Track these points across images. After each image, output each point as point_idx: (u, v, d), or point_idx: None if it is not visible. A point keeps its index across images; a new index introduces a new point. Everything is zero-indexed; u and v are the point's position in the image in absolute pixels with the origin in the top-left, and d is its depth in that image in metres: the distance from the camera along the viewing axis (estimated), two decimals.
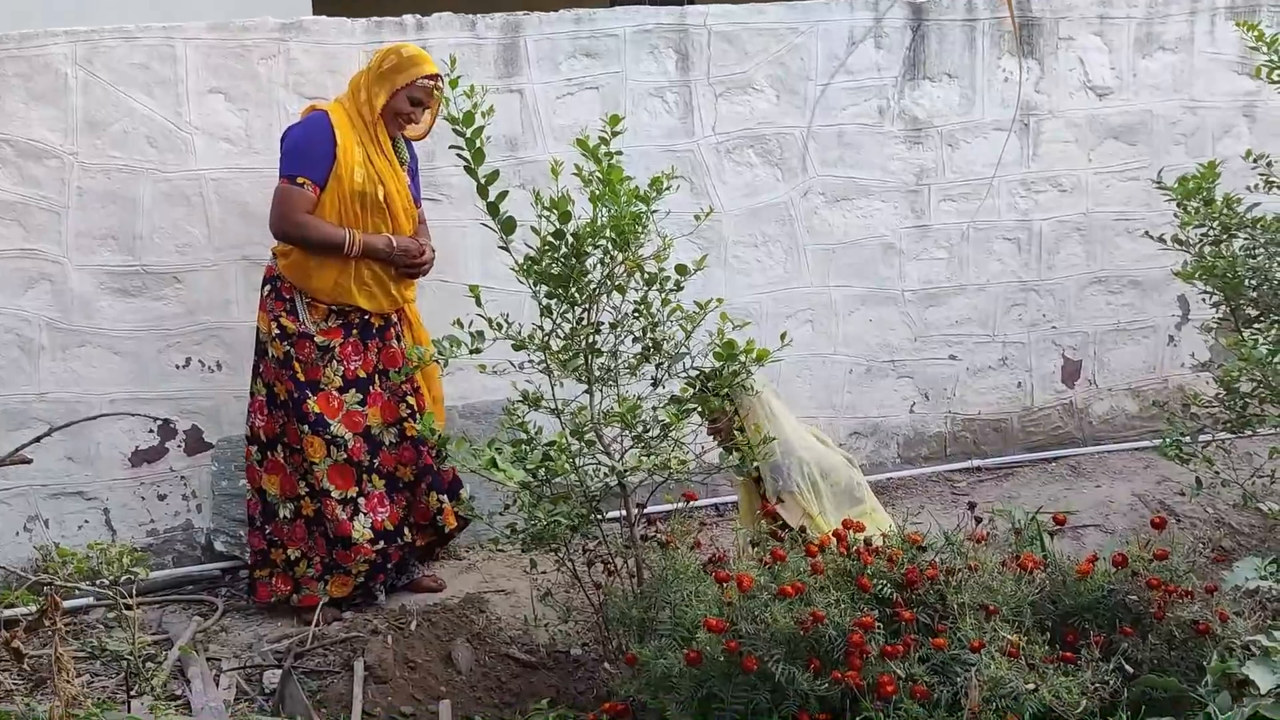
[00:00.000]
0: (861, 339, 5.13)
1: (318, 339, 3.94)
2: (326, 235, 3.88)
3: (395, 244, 3.96)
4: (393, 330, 4.11)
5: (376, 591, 4.15)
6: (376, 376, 4.07)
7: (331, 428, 3.95)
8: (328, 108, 3.96)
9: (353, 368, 4.00)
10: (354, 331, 4.01)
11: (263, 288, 4.03)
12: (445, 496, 4.17)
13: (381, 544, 4.04)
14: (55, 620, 2.24)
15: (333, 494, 3.97)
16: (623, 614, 3.28)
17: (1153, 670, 2.89)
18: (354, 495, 4.00)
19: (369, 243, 3.91)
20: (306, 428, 3.95)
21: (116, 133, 4.21)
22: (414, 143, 4.18)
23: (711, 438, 3.74)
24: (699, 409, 3.45)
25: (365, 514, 4.02)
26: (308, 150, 3.88)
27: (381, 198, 3.93)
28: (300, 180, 3.86)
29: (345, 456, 3.97)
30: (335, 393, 3.97)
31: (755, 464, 3.50)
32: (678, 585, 3.12)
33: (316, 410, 3.94)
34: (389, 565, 4.13)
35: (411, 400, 4.12)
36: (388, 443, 4.10)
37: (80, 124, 4.18)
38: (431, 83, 3.91)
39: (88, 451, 4.32)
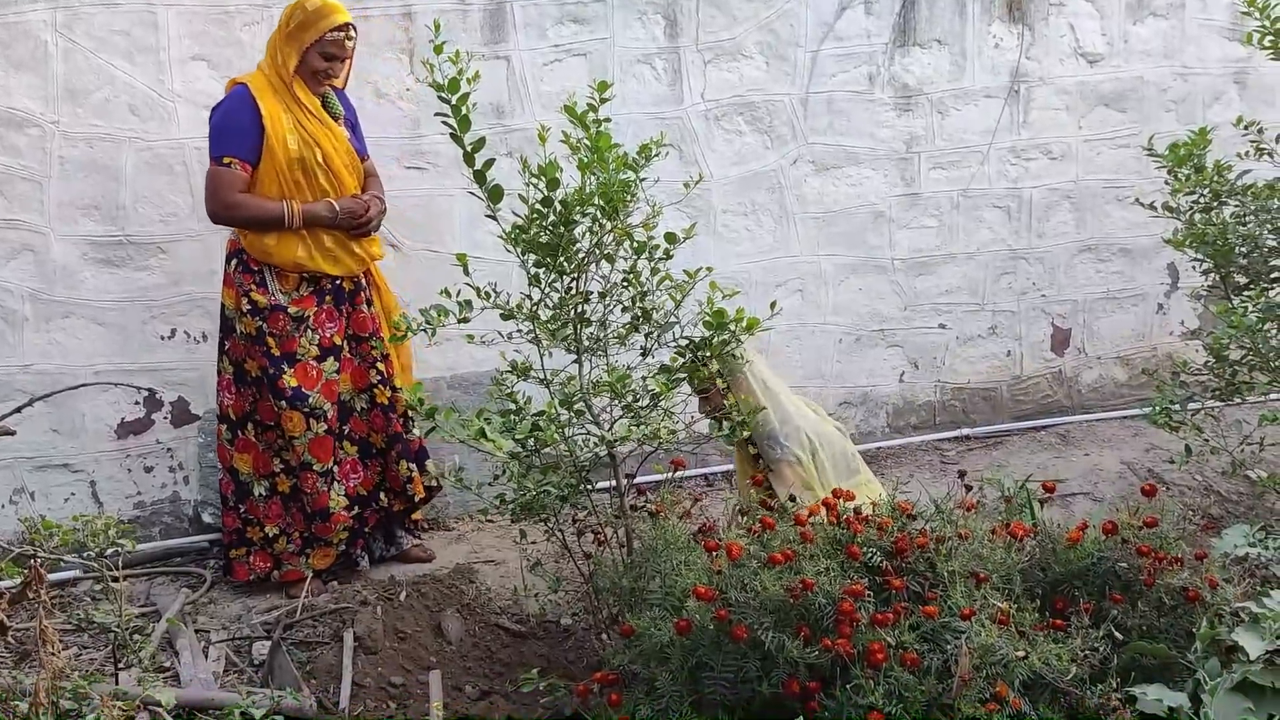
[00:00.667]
0: (851, 308, 5.12)
1: (291, 310, 3.88)
2: (265, 211, 3.79)
3: (339, 207, 3.86)
4: (362, 295, 4.06)
5: (358, 559, 4.14)
6: (346, 343, 4.02)
7: (310, 399, 3.90)
8: (248, 79, 3.83)
9: (328, 335, 3.94)
10: (327, 298, 3.95)
11: (227, 262, 3.93)
12: (414, 465, 4.14)
13: (357, 509, 4.03)
14: (40, 592, 2.21)
15: (314, 467, 3.94)
16: (613, 583, 3.27)
17: (1142, 637, 2.89)
18: (330, 466, 3.98)
19: (310, 211, 3.82)
20: (284, 403, 3.89)
21: (98, 101, 4.16)
22: (346, 94, 4.09)
23: (701, 409, 3.72)
24: (688, 379, 3.43)
25: (339, 482, 4.00)
26: (231, 128, 3.77)
27: (320, 160, 3.84)
28: (227, 160, 3.76)
29: (325, 428, 3.94)
30: (313, 362, 3.92)
31: (749, 434, 3.49)
32: (667, 555, 3.11)
33: (294, 384, 3.88)
34: (367, 529, 4.11)
35: (381, 367, 4.07)
36: (359, 409, 4.07)
37: (61, 92, 4.12)
38: (342, 34, 3.80)
39: (73, 424, 4.29)
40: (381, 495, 4.13)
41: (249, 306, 3.86)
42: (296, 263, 3.86)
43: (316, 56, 3.80)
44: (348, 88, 4.14)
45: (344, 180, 3.92)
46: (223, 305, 3.97)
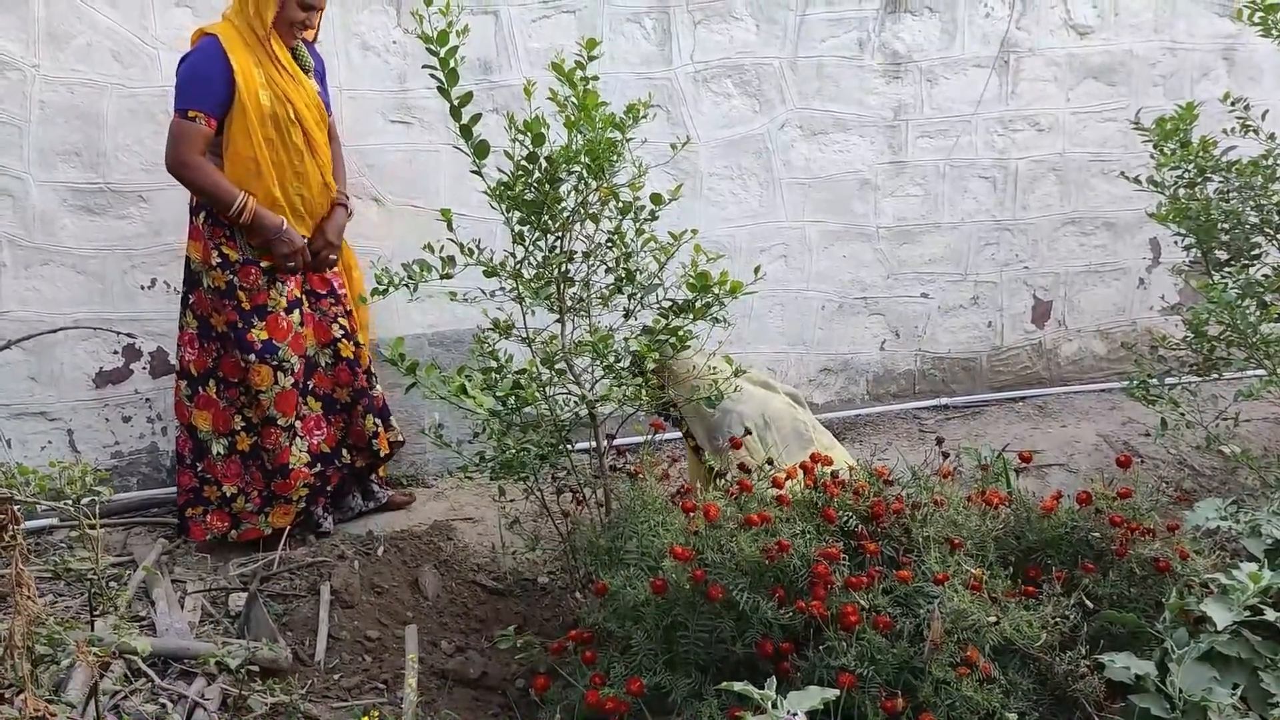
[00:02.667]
0: (834, 275, 5.12)
1: (263, 264, 3.82)
2: (219, 190, 3.70)
3: (284, 228, 3.79)
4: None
5: (320, 519, 4.11)
6: (304, 297, 3.99)
7: (279, 352, 3.86)
8: (217, 29, 3.72)
9: (290, 287, 3.91)
10: None
11: (194, 214, 3.85)
12: (379, 420, 4.12)
13: (319, 467, 4.02)
14: (17, 535, 2.21)
15: (278, 422, 3.90)
16: (590, 543, 3.29)
17: (1113, 606, 2.93)
18: (293, 421, 3.96)
19: (260, 217, 3.75)
20: (253, 356, 3.83)
21: (80, 45, 4.10)
22: (315, 46, 4.03)
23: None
24: (671, 341, 3.40)
25: (302, 438, 3.98)
26: (199, 80, 3.67)
27: (293, 115, 3.78)
28: (192, 114, 3.67)
29: (291, 381, 3.90)
30: (283, 314, 3.87)
31: (684, 424, 3.50)
32: (645, 515, 3.12)
33: (264, 337, 3.83)
34: (328, 489, 4.10)
35: (344, 321, 4.05)
36: (323, 364, 4.04)
37: (42, 35, 4.06)
38: None
39: (52, 372, 4.26)
40: (344, 452, 4.11)
41: (219, 260, 3.81)
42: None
43: (294, 6, 3.73)
44: (332, 36, 4.09)
45: (315, 137, 3.86)
46: (188, 259, 3.91)
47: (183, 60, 3.77)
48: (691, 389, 3.52)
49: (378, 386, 4.12)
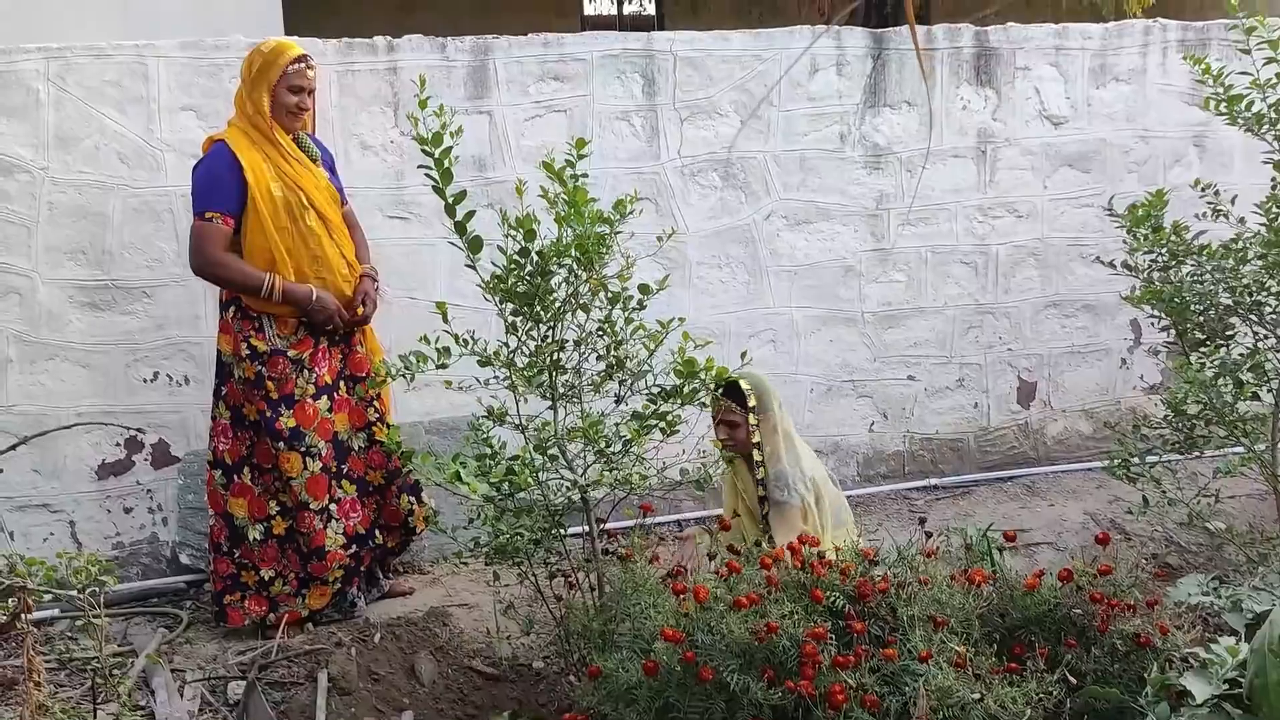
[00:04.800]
0: (822, 359, 5.24)
1: (290, 354, 3.94)
2: (247, 278, 3.86)
3: (315, 297, 3.92)
4: (357, 335, 4.14)
5: (354, 599, 4.19)
6: (342, 382, 4.10)
7: (307, 438, 3.96)
8: (225, 135, 3.91)
9: (322, 373, 4.02)
10: (322, 340, 4.02)
11: (225, 309, 3.99)
12: (414, 498, 4.22)
13: (354, 548, 4.09)
14: (26, 622, 2.27)
15: (311, 506, 3.99)
16: (584, 626, 3.34)
17: (1096, 681, 2.97)
18: (327, 504, 4.04)
19: (291, 291, 3.88)
20: (282, 444, 3.94)
21: (88, 148, 4.26)
22: (321, 139, 4.20)
23: (718, 433, 3.85)
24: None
25: (338, 520, 4.05)
26: (214, 182, 3.85)
27: (305, 201, 3.92)
28: (210, 215, 3.84)
29: (320, 465, 3.99)
30: (310, 400, 3.98)
31: (762, 475, 3.73)
32: (637, 598, 3.17)
33: (291, 424, 3.94)
34: (361, 568, 4.17)
35: (378, 405, 4.17)
36: (357, 448, 4.14)
37: (52, 139, 4.22)
38: (301, 64, 3.91)
39: (54, 464, 4.35)
40: (377, 533, 4.19)
41: (248, 352, 3.92)
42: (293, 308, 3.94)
43: (285, 92, 3.89)
44: (331, 137, 4.25)
45: (330, 219, 4.00)
46: (219, 352, 4.02)
47: (196, 167, 3.94)
48: (778, 432, 3.83)
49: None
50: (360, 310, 4.05)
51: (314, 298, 3.92)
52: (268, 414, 3.94)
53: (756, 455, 3.85)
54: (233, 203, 3.85)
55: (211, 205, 3.85)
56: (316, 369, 4.01)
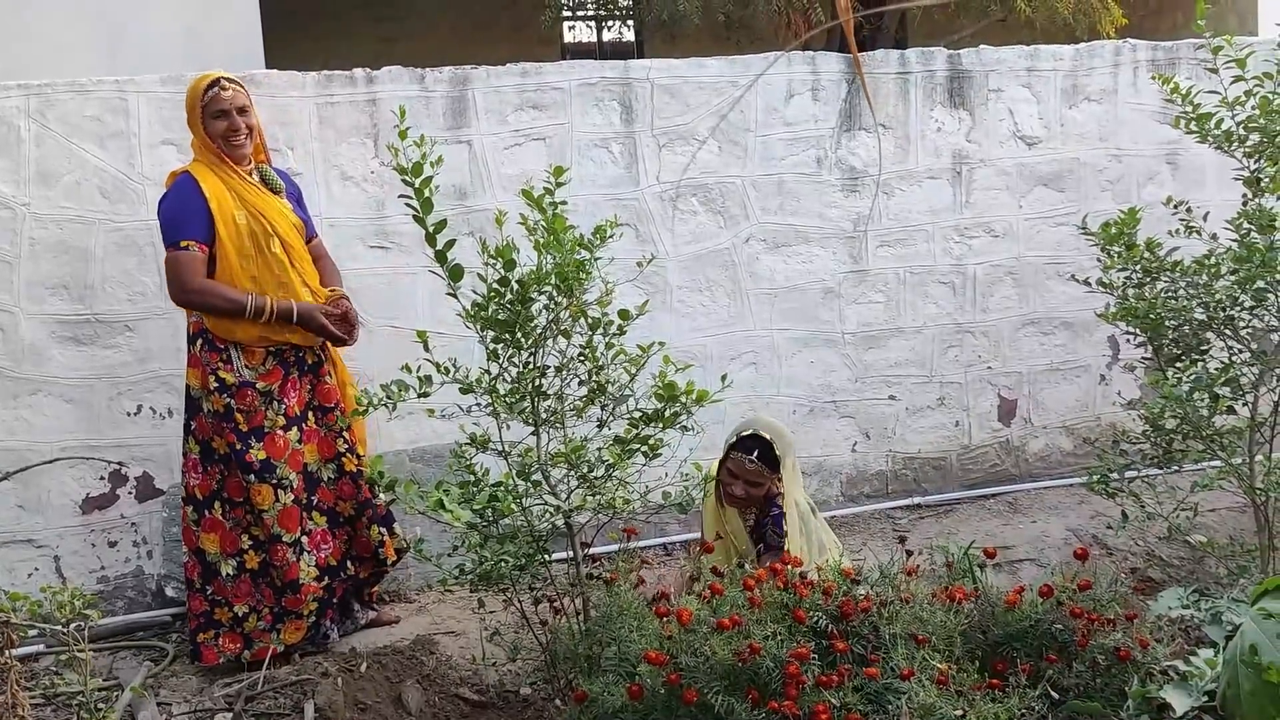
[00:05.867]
0: (804, 380, 5.27)
1: (259, 385, 3.95)
2: (228, 301, 3.88)
3: (303, 313, 3.96)
4: (325, 365, 4.15)
5: (328, 631, 4.18)
6: (310, 413, 4.10)
7: (278, 470, 3.97)
8: (189, 167, 3.96)
9: (290, 404, 4.02)
10: (292, 370, 4.03)
11: (192, 343, 3.99)
12: (384, 529, 4.21)
13: (326, 580, 4.09)
14: (10, 657, 2.28)
15: (283, 539, 3.99)
16: (569, 651, 3.35)
17: (1078, 696, 3.01)
18: (299, 536, 4.04)
19: (278, 307, 3.91)
20: (253, 477, 3.94)
21: (69, 184, 4.28)
22: (289, 175, 4.24)
23: (732, 490, 3.83)
24: (643, 449, 3.52)
25: (309, 552, 4.05)
26: (181, 212, 3.88)
27: (269, 229, 3.95)
28: (184, 244, 3.86)
29: (291, 498, 4.00)
30: (280, 432, 3.98)
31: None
32: (622, 621, 3.19)
33: (262, 456, 3.95)
34: (334, 601, 4.16)
35: (347, 435, 4.16)
36: (326, 479, 4.13)
37: (33, 175, 4.24)
38: (215, 89, 3.92)
39: (38, 499, 4.35)
40: (349, 564, 4.19)
41: (216, 384, 3.93)
42: (261, 336, 3.94)
43: (210, 121, 3.92)
44: (312, 168, 4.28)
45: (293, 246, 4.01)
46: (188, 386, 4.03)
47: (161, 201, 3.97)
48: (796, 480, 3.88)
49: (380, 495, 4.21)
50: (347, 313, 4.07)
51: (298, 310, 3.94)
52: (237, 446, 3.94)
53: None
54: (203, 230, 3.87)
55: (184, 234, 3.87)
56: (285, 400, 4.01)
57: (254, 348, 3.96)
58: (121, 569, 4.48)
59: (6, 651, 2.29)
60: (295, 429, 4.03)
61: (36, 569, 4.38)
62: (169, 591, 4.51)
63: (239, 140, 3.95)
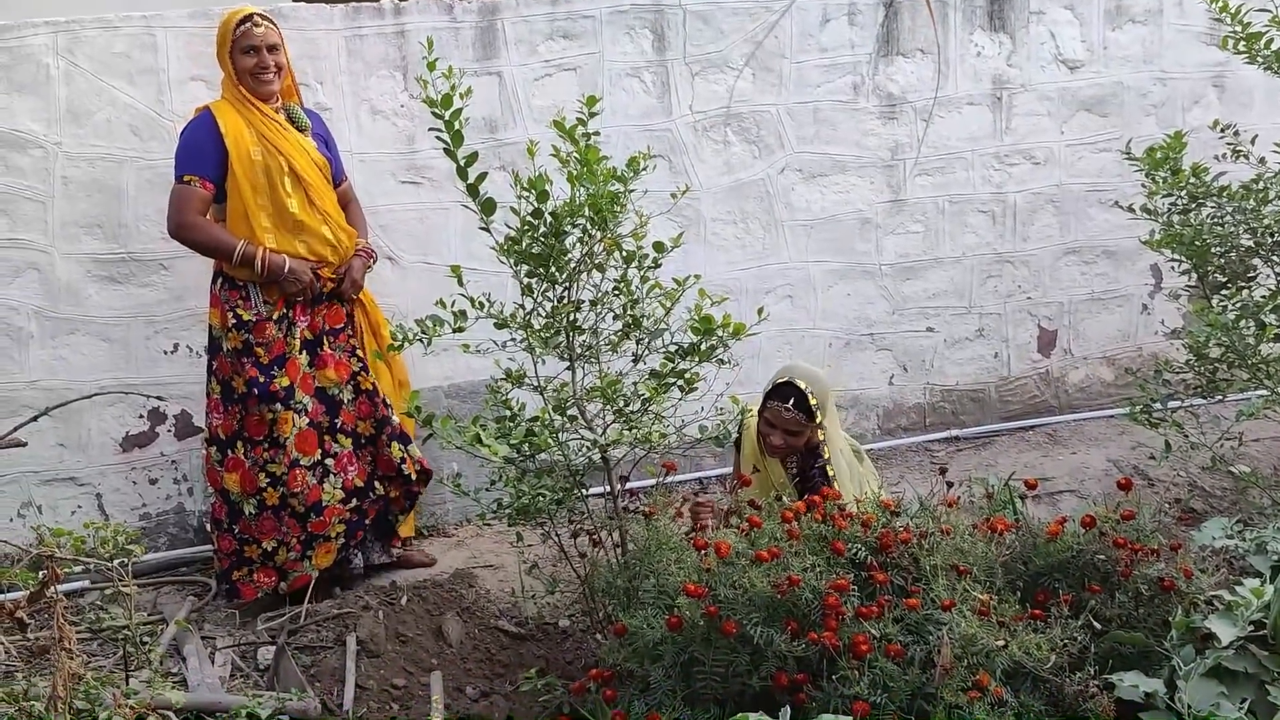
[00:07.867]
0: (840, 313, 5.21)
1: (274, 316, 3.97)
2: (218, 241, 3.90)
3: (287, 268, 3.93)
4: (335, 304, 4.14)
5: (352, 556, 4.21)
6: (324, 338, 4.10)
7: (296, 394, 3.99)
8: (212, 104, 3.96)
9: (302, 328, 4.04)
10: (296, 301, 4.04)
11: (214, 282, 4.02)
12: (405, 446, 4.22)
13: (354, 501, 4.12)
14: (56, 591, 2.30)
15: (302, 462, 4.01)
16: (608, 584, 3.36)
17: (1120, 626, 2.98)
18: (320, 459, 4.06)
19: (267, 259, 3.90)
20: (279, 405, 3.96)
21: (99, 122, 4.26)
22: (319, 115, 4.22)
23: (771, 439, 3.74)
24: (679, 384, 3.48)
25: (335, 474, 4.08)
26: (192, 148, 3.90)
27: (285, 166, 3.94)
28: (188, 179, 3.88)
29: (307, 421, 4.02)
30: (296, 355, 4.01)
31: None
32: (660, 555, 3.19)
33: (285, 383, 3.97)
34: (367, 521, 4.19)
35: (360, 353, 4.17)
36: (345, 400, 4.14)
37: (63, 114, 4.22)
38: (248, 24, 3.90)
39: (79, 438, 4.39)
40: (377, 485, 4.20)
41: (234, 321, 3.96)
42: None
43: (239, 55, 3.91)
44: (342, 103, 4.24)
45: (311, 183, 3.99)
46: (210, 326, 4.06)
47: (181, 132, 3.99)
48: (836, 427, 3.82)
49: (395, 414, 4.23)
50: (338, 285, 4.07)
51: (286, 268, 3.93)
52: (260, 379, 3.96)
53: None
54: (210, 167, 3.88)
55: (190, 169, 3.89)
56: (297, 324, 4.03)
57: (271, 285, 3.96)
58: (163, 506, 4.53)
59: (52, 586, 2.32)
60: (306, 353, 4.05)
61: (80, 507, 4.43)
62: (210, 527, 4.55)
63: (267, 77, 3.94)
